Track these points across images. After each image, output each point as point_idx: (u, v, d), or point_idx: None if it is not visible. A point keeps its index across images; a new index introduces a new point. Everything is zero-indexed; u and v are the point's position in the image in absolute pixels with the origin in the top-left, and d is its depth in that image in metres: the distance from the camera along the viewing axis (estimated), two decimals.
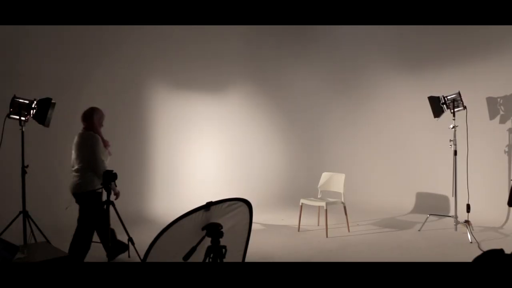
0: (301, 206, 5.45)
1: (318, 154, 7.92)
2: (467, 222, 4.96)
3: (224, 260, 1.97)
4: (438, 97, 5.31)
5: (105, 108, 5.96)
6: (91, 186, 3.83)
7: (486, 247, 4.41)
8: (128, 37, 6.20)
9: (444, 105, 5.27)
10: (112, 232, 3.96)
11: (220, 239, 1.97)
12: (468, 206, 5.11)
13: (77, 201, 3.94)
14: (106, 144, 4.10)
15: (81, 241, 3.80)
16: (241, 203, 2.15)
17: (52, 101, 4.33)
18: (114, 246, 4.05)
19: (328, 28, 7.86)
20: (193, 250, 1.88)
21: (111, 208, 3.74)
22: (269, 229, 5.62)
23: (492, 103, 5.66)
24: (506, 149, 5.52)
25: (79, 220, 3.88)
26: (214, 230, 1.96)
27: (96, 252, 4.02)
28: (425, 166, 6.47)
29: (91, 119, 4.01)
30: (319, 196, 5.69)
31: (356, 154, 7.43)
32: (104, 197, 3.74)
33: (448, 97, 5.25)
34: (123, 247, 4.16)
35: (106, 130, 5.97)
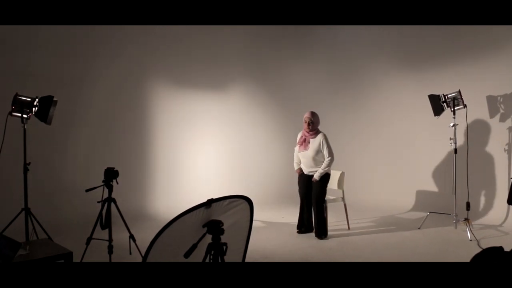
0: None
1: None
2: (466, 220, 4.98)
3: (225, 257, 1.99)
4: (439, 96, 5.31)
5: (106, 106, 6.03)
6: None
7: (485, 245, 4.42)
8: (130, 37, 6.20)
9: (445, 104, 5.28)
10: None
11: (221, 236, 1.99)
12: (468, 204, 5.12)
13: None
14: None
15: (322, 209, 5.05)
16: (242, 200, 2.16)
17: (54, 99, 4.34)
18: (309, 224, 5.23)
19: (329, 28, 7.85)
20: (194, 247, 1.89)
21: (112, 205, 3.77)
22: (270, 227, 5.64)
23: (492, 101, 5.66)
24: (506, 148, 5.53)
25: (313, 194, 5.11)
26: (215, 227, 1.97)
27: (97, 252, 4.04)
28: (425, 164, 6.47)
29: (315, 121, 5.17)
30: None
31: (356, 152, 7.44)
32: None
33: (448, 96, 5.25)
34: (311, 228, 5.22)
35: (107, 128, 6.03)
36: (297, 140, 5.26)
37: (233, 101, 7.38)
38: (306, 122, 5.12)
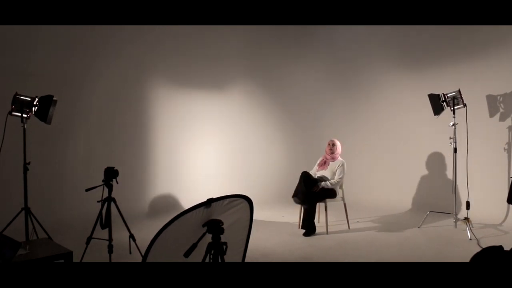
0: None
1: (319, 152, 7.91)
2: (466, 219, 4.98)
3: (225, 257, 1.99)
4: (438, 95, 5.31)
5: (106, 106, 6.03)
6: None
7: (485, 244, 4.42)
8: (130, 37, 6.19)
9: (444, 103, 5.27)
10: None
11: (221, 236, 1.99)
12: (468, 203, 5.13)
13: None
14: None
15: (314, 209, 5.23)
16: (242, 199, 2.17)
17: (54, 99, 4.34)
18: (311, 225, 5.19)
19: (329, 28, 7.84)
20: (194, 246, 1.89)
21: (112, 204, 3.77)
22: (270, 226, 5.64)
23: (492, 100, 5.66)
24: (506, 147, 5.53)
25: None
26: (215, 227, 1.98)
27: (97, 252, 4.04)
28: (425, 163, 6.47)
29: (337, 146, 5.56)
30: None
31: (356, 151, 7.43)
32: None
33: (448, 95, 5.25)
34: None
35: (107, 128, 6.03)
36: (318, 162, 5.60)
37: (233, 101, 7.38)
38: (329, 144, 5.52)
